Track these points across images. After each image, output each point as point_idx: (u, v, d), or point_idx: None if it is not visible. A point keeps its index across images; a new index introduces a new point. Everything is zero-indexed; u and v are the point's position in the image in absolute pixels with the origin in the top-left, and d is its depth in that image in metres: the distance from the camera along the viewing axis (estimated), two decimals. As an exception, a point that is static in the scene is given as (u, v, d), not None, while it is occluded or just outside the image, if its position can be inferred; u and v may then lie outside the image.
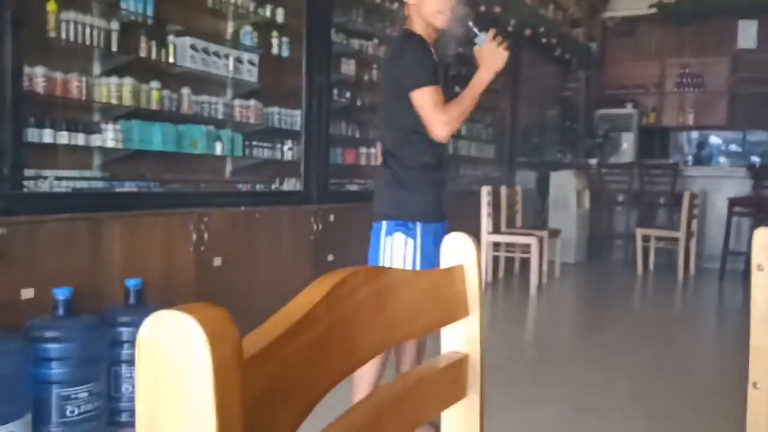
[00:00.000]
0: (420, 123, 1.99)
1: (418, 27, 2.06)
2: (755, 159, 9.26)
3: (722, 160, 9.84)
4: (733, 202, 6.08)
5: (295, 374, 0.42)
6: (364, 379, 2.09)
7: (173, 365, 0.33)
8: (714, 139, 10.09)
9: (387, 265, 2.02)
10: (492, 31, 2.13)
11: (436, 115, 1.96)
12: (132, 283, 2.50)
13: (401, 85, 1.99)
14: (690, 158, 9.21)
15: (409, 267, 2.02)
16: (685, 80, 9.03)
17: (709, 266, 6.43)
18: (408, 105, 1.98)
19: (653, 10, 8.72)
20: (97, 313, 2.47)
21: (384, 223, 2.06)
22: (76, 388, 2.14)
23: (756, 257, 1.02)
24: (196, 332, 0.32)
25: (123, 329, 2.36)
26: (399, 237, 2.02)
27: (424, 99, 1.96)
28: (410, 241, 2.04)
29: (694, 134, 9.82)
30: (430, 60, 2.02)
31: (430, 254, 2.01)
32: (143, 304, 2.53)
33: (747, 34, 8.56)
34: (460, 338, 0.72)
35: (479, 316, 0.73)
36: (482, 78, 2.06)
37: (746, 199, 6.21)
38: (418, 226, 2.04)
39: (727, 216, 6.06)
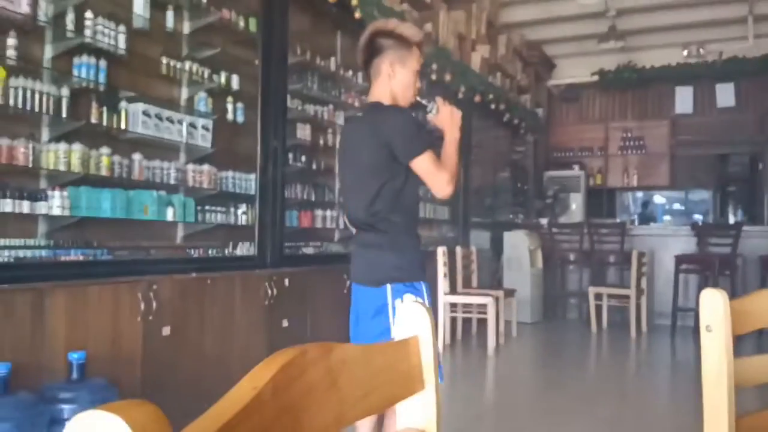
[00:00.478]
0: (408, 187, 2.10)
1: (387, 100, 2.14)
2: (698, 217, 9.64)
3: (666, 218, 10.20)
4: (679, 260, 6.26)
5: (237, 471, 0.39)
6: None
7: (98, 473, 0.30)
8: (658, 199, 10.50)
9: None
10: (439, 99, 2.27)
11: (442, 175, 2.07)
12: (75, 356, 2.38)
13: (390, 154, 2.04)
14: (636, 217, 9.52)
15: None
16: (628, 143, 9.45)
17: (660, 323, 6.55)
18: (397, 171, 2.06)
19: (595, 78, 9.18)
20: (36, 390, 2.33)
21: (389, 286, 2.02)
22: (11, 472, 2.00)
23: (704, 319, 1.04)
24: (125, 434, 0.30)
25: (64, 406, 2.24)
26: (409, 298, 1.99)
27: (426, 164, 2.06)
28: (419, 300, 2.01)
29: (639, 194, 10.20)
30: (418, 124, 2.12)
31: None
32: (86, 379, 2.41)
33: (684, 99, 9.07)
34: (416, 414, 0.70)
35: (435, 389, 0.71)
36: (452, 137, 2.21)
37: (692, 257, 6.42)
38: (423, 286, 2.08)
39: (674, 273, 6.23)
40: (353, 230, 2.22)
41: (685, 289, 6.48)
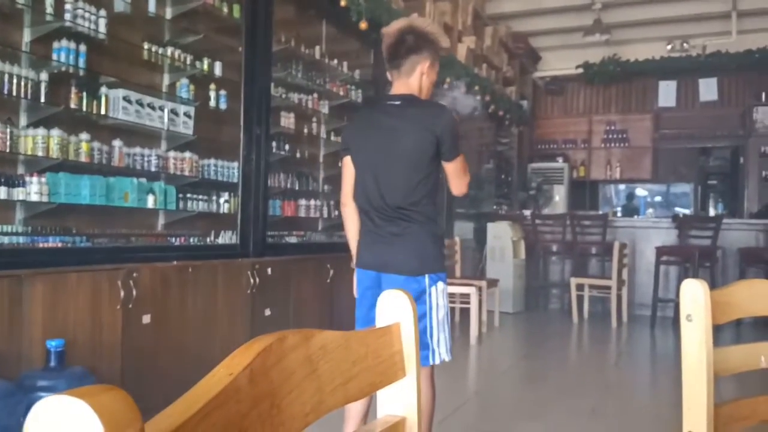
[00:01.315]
0: (438, 183, 2.22)
1: (418, 94, 2.24)
2: (679, 210, 9.75)
3: (648, 211, 10.30)
4: (660, 251, 6.33)
5: (210, 458, 0.38)
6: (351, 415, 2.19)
7: (64, 459, 0.29)
8: (640, 191, 10.59)
9: (436, 311, 2.17)
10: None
11: (466, 178, 2.26)
12: (53, 344, 2.35)
13: (437, 150, 2.14)
14: (618, 209, 9.61)
15: (444, 309, 2.20)
16: (611, 136, 9.52)
17: (640, 313, 6.62)
18: (435, 166, 2.19)
19: (580, 71, 9.22)
20: (14, 378, 2.30)
21: (426, 277, 2.16)
22: (-13, 461, 1.97)
23: (684, 308, 1.04)
24: (91, 421, 0.28)
25: (42, 394, 2.20)
26: (441, 285, 2.19)
27: (459, 166, 2.21)
28: (445, 288, 2.22)
29: (621, 187, 10.29)
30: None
31: None
32: (65, 367, 2.38)
33: (667, 93, 9.14)
34: (396, 401, 0.69)
35: (416, 377, 0.71)
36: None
37: (673, 248, 6.49)
38: (444, 275, 2.23)
39: (655, 264, 6.29)
40: (369, 215, 2.26)
41: (665, 281, 6.56)
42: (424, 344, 2.15)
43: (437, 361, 2.19)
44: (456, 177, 2.22)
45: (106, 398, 0.29)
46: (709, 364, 1.02)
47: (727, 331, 5.80)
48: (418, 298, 2.12)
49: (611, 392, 3.90)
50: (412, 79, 2.21)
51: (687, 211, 9.57)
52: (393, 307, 0.72)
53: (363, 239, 2.32)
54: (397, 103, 2.21)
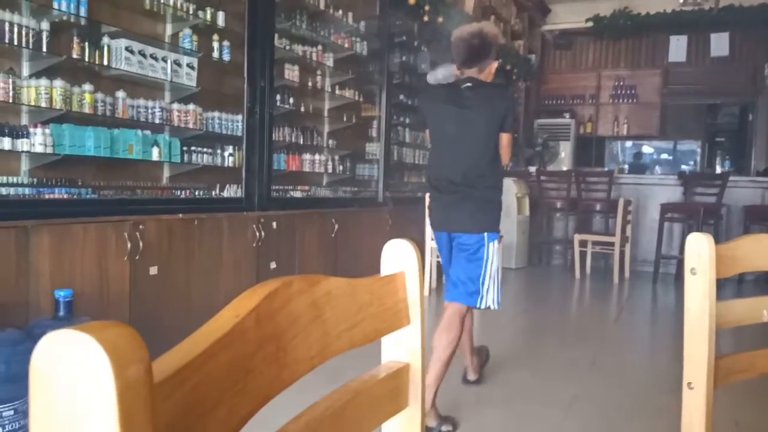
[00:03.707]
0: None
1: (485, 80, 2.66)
2: (685, 167, 9.68)
3: (655, 168, 10.24)
4: (665, 208, 6.32)
5: (216, 397, 0.39)
6: (442, 358, 2.53)
7: (71, 392, 0.29)
8: (647, 149, 10.50)
9: (490, 264, 2.55)
10: None
11: (512, 148, 2.69)
12: (61, 294, 2.38)
13: (498, 125, 2.55)
14: (624, 166, 9.55)
15: (498, 268, 2.59)
16: (620, 92, 9.38)
17: (642, 270, 6.66)
18: (497, 140, 2.58)
19: (589, 24, 9.02)
20: (23, 327, 2.34)
21: (486, 234, 2.55)
22: (1, 406, 2.02)
23: (689, 262, 1.04)
24: (98, 354, 0.29)
25: (51, 343, 2.25)
26: (496, 243, 2.58)
27: (510, 139, 2.62)
28: (499, 246, 2.64)
29: (628, 143, 10.20)
30: None
31: None
32: (73, 317, 2.42)
33: (677, 48, 8.96)
34: (400, 348, 0.70)
35: (420, 325, 0.71)
36: None
37: (677, 206, 6.47)
38: (497, 235, 2.62)
39: (659, 221, 6.29)
40: (442, 182, 2.62)
41: (669, 238, 6.57)
42: (475, 289, 2.54)
43: (483, 306, 2.56)
44: (507, 146, 2.62)
45: (112, 333, 0.30)
46: (711, 317, 1.03)
47: (729, 288, 5.83)
48: (477, 251, 2.54)
49: (611, 346, 3.95)
50: (483, 70, 2.64)
51: (691, 168, 9.50)
52: (398, 257, 0.72)
53: (435, 204, 2.68)
54: (469, 85, 2.59)
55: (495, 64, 2.68)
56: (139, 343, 0.31)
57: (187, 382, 0.36)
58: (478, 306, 2.55)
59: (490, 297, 2.54)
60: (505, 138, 2.58)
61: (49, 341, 0.29)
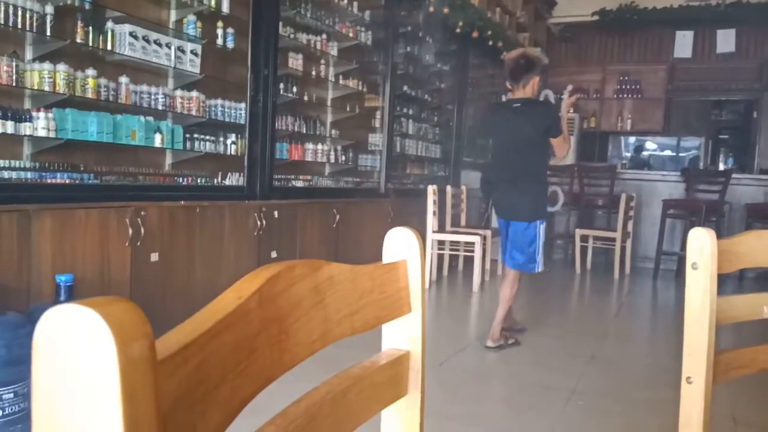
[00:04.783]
0: (548, 155, 3.44)
1: (531, 96, 3.38)
2: (688, 164, 9.65)
3: (657, 164, 10.21)
4: (667, 205, 6.31)
5: (219, 376, 0.39)
6: (507, 300, 3.50)
7: (74, 367, 0.29)
8: (650, 144, 10.47)
9: (540, 241, 3.39)
10: (570, 87, 3.93)
11: (566, 146, 3.40)
12: (63, 278, 2.38)
13: (543, 134, 3.30)
14: (627, 162, 9.52)
15: (543, 239, 3.40)
16: (625, 87, 9.34)
17: (643, 266, 6.66)
18: (546, 143, 3.34)
19: (595, 17, 8.97)
20: (24, 311, 2.35)
21: (537, 222, 3.36)
22: (1, 389, 2.03)
23: (690, 256, 1.04)
24: (102, 329, 0.29)
25: (52, 327, 2.25)
26: (544, 225, 3.40)
27: (561, 140, 3.34)
28: (546, 227, 3.43)
29: (632, 139, 10.16)
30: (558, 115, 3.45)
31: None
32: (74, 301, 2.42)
33: (683, 43, 8.91)
34: (401, 335, 0.70)
35: (421, 313, 0.72)
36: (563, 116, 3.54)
37: (679, 202, 6.46)
38: (545, 220, 3.44)
39: (661, 217, 6.28)
40: (502, 180, 3.44)
41: (670, 234, 6.56)
42: (531, 260, 3.42)
43: (538, 270, 3.48)
44: (557, 147, 3.37)
45: (117, 308, 0.30)
46: (711, 312, 1.03)
47: (729, 284, 5.83)
48: (528, 233, 3.35)
49: (611, 340, 3.96)
50: (528, 87, 3.33)
51: (694, 165, 9.47)
52: (400, 245, 0.72)
53: (498, 195, 3.52)
54: (518, 105, 3.34)
55: (537, 79, 3.35)
56: (143, 319, 0.31)
57: (190, 361, 0.36)
58: (536, 271, 3.48)
59: (541, 263, 3.45)
60: (554, 142, 3.34)
61: (53, 315, 0.29)
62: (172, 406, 0.34)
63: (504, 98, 3.58)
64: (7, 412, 2.04)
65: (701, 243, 1.04)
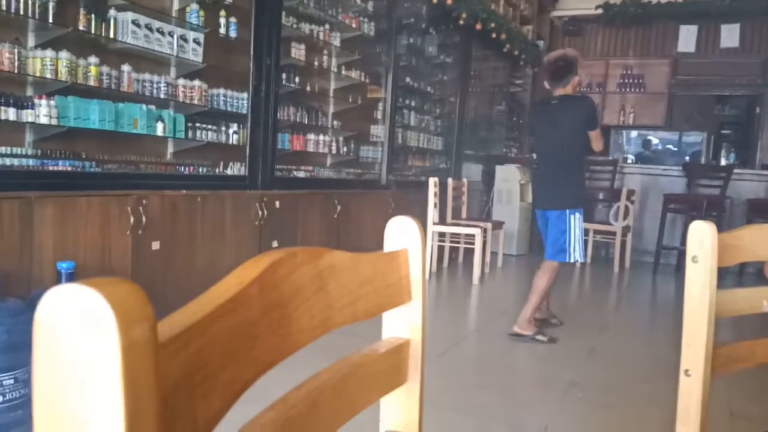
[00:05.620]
0: (586, 147, 3.54)
1: (571, 93, 3.56)
2: (690, 159, 9.62)
3: (659, 158, 10.18)
4: (668, 199, 6.30)
5: (221, 359, 0.39)
6: (538, 290, 3.57)
7: (76, 347, 0.29)
8: (652, 139, 10.44)
9: (573, 230, 3.50)
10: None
11: (602, 139, 3.58)
12: (64, 266, 2.39)
13: (586, 125, 3.46)
14: (629, 156, 9.50)
15: (580, 233, 3.51)
16: (627, 81, 9.30)
17: (643, 260, 6.66)
18: (584, 136, 3.47)
19: (599, 11, 8.93)
20: (25, 298, 2.35)
21: (568, 210, 3.48)
22: (2, 375, 2.04)
23: (691, 249, 1.04)
24: (103, 309, 0.29)
25: (53, 314, 2.26)
26: (578, 215, 3.50)
27: (598, 132, 3.53)
28: (581, 217, 3.53)
29: (634, 133, 10.13)
30: (596, 109, 3.58)
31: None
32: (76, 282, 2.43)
33: (687, 38, 8.88)
34: (401, 323, 0.70)
35: (422, 302, 0.72)
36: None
37: (680, 196, 6.45)
38: (581, 210, 3.54)
39: (662, 212, 6.28)
40: (541, 172, 3.66)
41: (671, 228, 6.56)
42: (562, 249, 3.51)
43: (571, 260, 3.54)
44: (595, 140, 3.52)
45: (119, 289, 0.30)
46: (711, 305, 1.03)
47: (729, 279, 5.84)
48: (562, 222, 3.50)
49: (610, 333, 3.97)
50: (568, 86, 3.52)
51: (695, 160, 9.45)
52: (402, 234, 0.72)
53: (536, 187, 3.79)
54: (556, 101, 3.53)
55: (577, 79, 3.52)
56: (145, 301, 0.31)
57: (192, 344, 0.36)
58: (567, 260, 3.52)
59: (577, 253, 3.50)
60: (592, 134, 3.49)
61: (55, 295, 0.29)
62: (173, 388, 0.34)
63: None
64: (7, 397, 2.05)
65: (702, 236, 1.04)
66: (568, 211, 3.48)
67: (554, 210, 3.52)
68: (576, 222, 3.48)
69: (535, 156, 3.81)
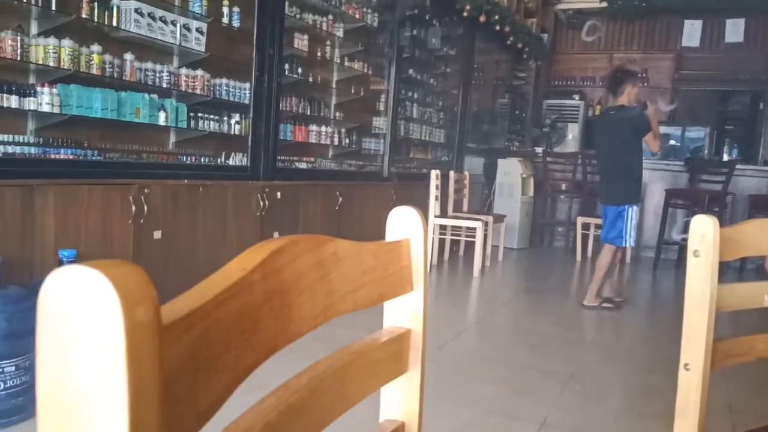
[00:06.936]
0: (639, 151, 4.11)
1: (627, 104, 4.08)
2: (692, 154, 9.60)
3: (662, 153, 10.15)
4: (669, 194, 6.29)
5: (223, 344, 0.39)
6: (601, 267, 4.21)
7: (80, 328, 0.29)
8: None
9: (629, 221, 4.10)
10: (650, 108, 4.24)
11: (657, 142, 4.06)
12: (66, 254, 2.40)
13: (635, 132, 4.00)
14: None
15: (635, 223, 4.12)
16: (631, 75, 9.25)
17: (644, 255, 6.66)
18: (637, 143, 4.04)
19: (604, 5, 8.89)
20: (26, 285, 2.36)
21: (626, 206, 4.07)
22: (3, 362, 2.05)
23: (692, 244, 1.04)
24: (108, 291, 0.29)
25: (54, 302, 2.26)
26: (635, 208, 4.10)
27: (650, 137, 4.01)
28: (637, 209, 4.13)
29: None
30: (647, 117, 4.06)
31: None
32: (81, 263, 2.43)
33: (692, 32, 8.83)
34: (403, 313, 0.70)
35: (423, 292, 0.72)
36: (655, 123, 4.11)
37: (682, 191, 6.45)
38: (637, 205, 4.14)
39: (663, 207, 6.27)
40: (602, 172, 4.28)
41: (672, 223, 6.56)
42: (620, 235, 4.10)
43: (626, 245, 4.15)
44: (649, 143, 4.04)
45: (123, 271, 0.30)
46: (711, 299, 1.03)
47: (730, 275, 5.84)
48: (619, 215, 4.09)
49: (609, 326, 3.98)
50: (624, 96, 4.05)
51: (698, 155, 9.42)
52: (404, 224, 0.72)
53: (599, 185, 4.35)
54: (613, 111, 4.10)
55: (631, 88, 4.04)
56: (148, 282, 0.31)
57: (195, 327, 0.36)
58: (623, 245, 4.13)
59: (631, 240, 4.11)
60: (646, 138, 4.01)
61: (59, 276, 0.29)
62: (176, 371, 0.34)
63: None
64: (8, 384, 2.06)
65: (703, 230, 1.04)
66: (626, 206, 4.09)
67: (612, 206, 4.13)
68: (632, 214, 4.08)
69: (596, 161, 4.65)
